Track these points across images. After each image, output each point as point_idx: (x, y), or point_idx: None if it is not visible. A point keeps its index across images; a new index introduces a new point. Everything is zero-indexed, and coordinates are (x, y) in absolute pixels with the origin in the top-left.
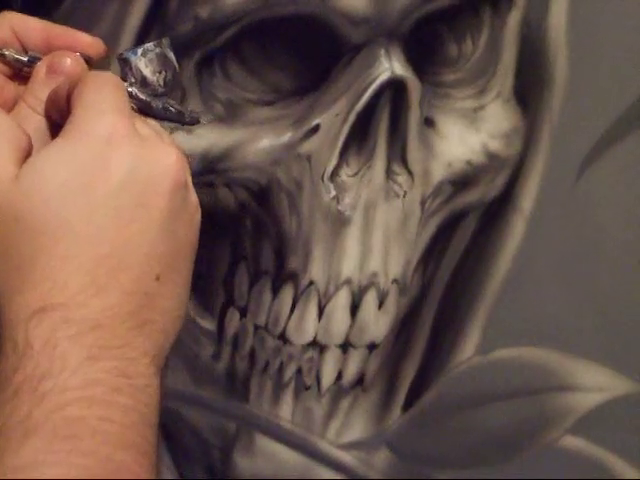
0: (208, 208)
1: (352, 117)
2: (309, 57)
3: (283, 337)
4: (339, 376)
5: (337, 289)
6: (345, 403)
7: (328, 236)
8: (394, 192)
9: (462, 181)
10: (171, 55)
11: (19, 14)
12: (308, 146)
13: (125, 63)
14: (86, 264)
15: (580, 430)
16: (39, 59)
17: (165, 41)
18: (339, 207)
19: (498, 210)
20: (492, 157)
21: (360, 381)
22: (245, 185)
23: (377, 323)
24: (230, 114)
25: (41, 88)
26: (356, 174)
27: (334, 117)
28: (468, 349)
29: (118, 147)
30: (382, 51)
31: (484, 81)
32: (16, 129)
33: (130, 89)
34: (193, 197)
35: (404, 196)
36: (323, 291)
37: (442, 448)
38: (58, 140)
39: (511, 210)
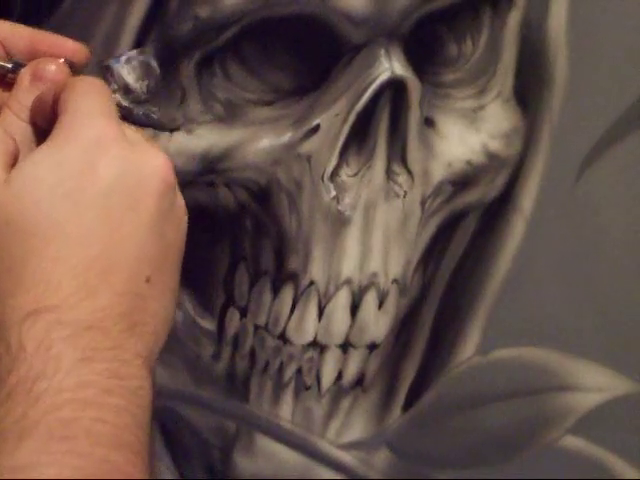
0: (208, 208)
1: (352, 117)
2: (309, 57)
3: (283, 337)
4: (339, 376)
5: (337, 289)
6: (345, 403)
7: (328, 236)
8: (394, 192)
9: (462, 181)
10: (154, 63)
11: (3, 21)
12: (308, 146)
13: (107, 70)
14: (77, 266)
15: (580, 430)
16: (23, 65)
17: (148, 49)
18: (339, 207)
19: (498, 210)
20: (492, 157)
21: (360, 381)
22: (245, 185)
23: (377, 323)
24: (230, 114)
25: (25, 95)
26: (356, 174)
27: (334, 117)
28: (468, 349)
29: (107, 150)
30: (382, 51)
31: (484, 81)
32: (2, 134)
33: (112, 96)
34: (181, 200)
35: (404, 196)
36: (323, 291)
37: (442, 448)
38: (47, 144)
39: (511, 210)
